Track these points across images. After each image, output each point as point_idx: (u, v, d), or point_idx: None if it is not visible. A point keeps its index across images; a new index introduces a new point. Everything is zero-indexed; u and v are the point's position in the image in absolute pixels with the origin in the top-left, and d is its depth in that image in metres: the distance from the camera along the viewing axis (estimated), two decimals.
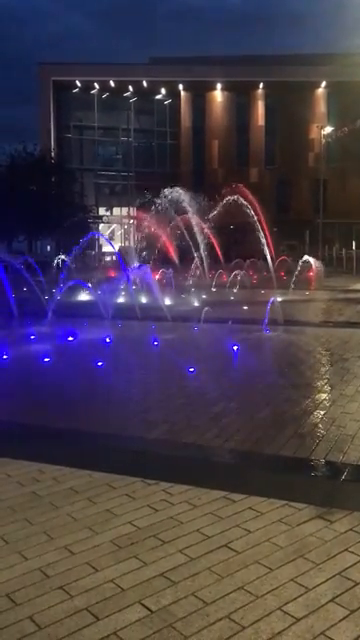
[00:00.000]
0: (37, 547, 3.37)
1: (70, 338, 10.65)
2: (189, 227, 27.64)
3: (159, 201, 28.38)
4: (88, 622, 2.69)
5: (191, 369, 7.88)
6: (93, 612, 2.77)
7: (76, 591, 2.93)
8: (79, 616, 2.74)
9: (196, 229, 27.08)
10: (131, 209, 62.07)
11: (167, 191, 28.41)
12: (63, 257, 25.80)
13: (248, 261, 27.56)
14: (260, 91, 60.92)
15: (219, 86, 60.42)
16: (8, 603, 2.84)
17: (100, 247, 60.73)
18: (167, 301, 15.68)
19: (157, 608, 2.79)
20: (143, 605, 2.81)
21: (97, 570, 3.12)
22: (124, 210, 62.88)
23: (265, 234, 25.36)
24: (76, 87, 59.93)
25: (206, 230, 27.74)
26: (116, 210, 63.97)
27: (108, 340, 10.42)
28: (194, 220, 27.42)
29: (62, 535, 3.50)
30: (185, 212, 27.91)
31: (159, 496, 4.02)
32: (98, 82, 59.57)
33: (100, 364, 8.45)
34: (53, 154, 52.01)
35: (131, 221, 63.67)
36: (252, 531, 3.53)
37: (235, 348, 9.31)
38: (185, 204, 27.51)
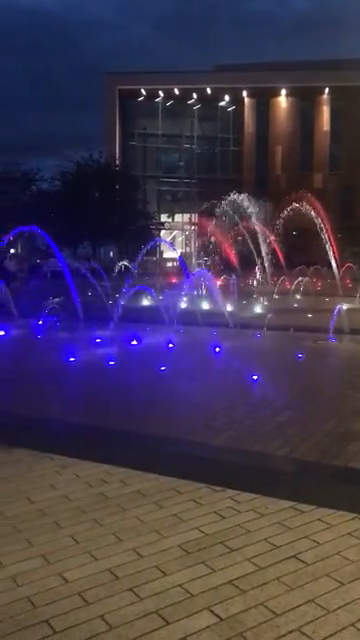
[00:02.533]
0: (106, 548, 3.42)
1: (134, 342, 10.79)
2: (252, 233, 27.51)
3: (222, 207, 28.39)
4: (158, 625, 2.71)
5: (254, 377, 7.82)
6: (163, 615, 2.78)
7: (145, 594, 2.96)
8: (149, 619, 2.76)
9: (259, 235, 26.92)
10: (193, 215, 62.44)
11: (231, 196, 28.40)
12: (126, 263, 26.23)
13: (312, 268, 27.15)
14: (325, 96, 60.04)
15: (283, 92, 59.95)
16: (80, 602, 2.89)
17: (161, 253, 61.33)
18: (229, 307, 15.63)
19: (227, 616, 2.77)
20: (212, 612, 2.81)
21: (166, 574, 3.14)
22: (186, 217, 63.26)
23: (330, 240, 24.92)
24: (141, 95, 60.85)
25: (269, 236, 27.54)
26: (178, 217, 64.42)
27: (171, 345, 10.49)
28: (257, 226, 27.27)
29: (130, 537, 3.54)
30: (248, 218, 27.80)
31: (226, 503, 4.01)
32: (162, 90, 60.29)
33: (163, 369, 8.52)
34: (117, 161, 52.99)
35: (192, 227, 64.02)
36: (321, 543, 3.47)
37: (300, 356, 9.18)
38: (248, 210, 27.42)
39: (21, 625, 2.71)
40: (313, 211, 24.78)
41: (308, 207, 24.98)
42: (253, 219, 27.36)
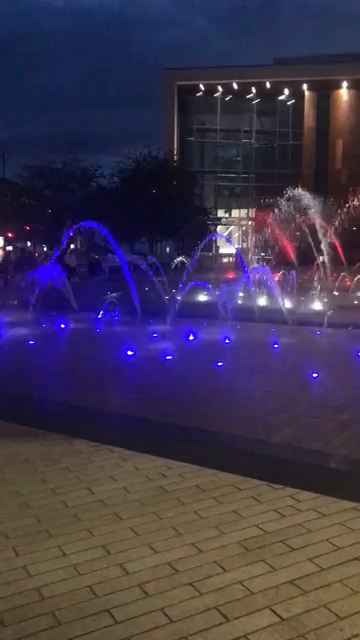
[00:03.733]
0: (166, 541, 3.42)
1: (190, 337, 10.79)
2: (311, 228, 27.03)
3: (280, 203, 28.05)
4: (218, 622, 2.69)
5: (314, 374, 7.68)
6: (223, 612, 2.76)
7: (205, 589, 2.95)
8: (209, 614, 2.74)
9: (318, 231, 26.40)
10: (250, 211, 61.94)
11: (288, 192, 27.98)
12: (182, 258, 26.29)
13: None
14: None
15: (345, 84, 58.61)
16: (141, 593, 2.91)
17: (217, 249, 61.13)
18: (288, 304, 15.41)
19: (288, 616, 2.73)
20: (273, 611, 2.77)
21: (225, 570, 3.12)
22: (243, 212, 62.84)
23: None
24: (199, 91, 60.79)
25: (329, 232, 26.99)
26: (235, 212, 64.06)
27: (227, 341, 10.43)
28: (316, 221, 26.77)
29: (190, 532, 3.53)
30: (306, 213, 27.33)
31: (286, 501, 3.95)
32: (221, 85, 60.02)
33: (220, 364, 8.48)
34: (176, 157, 53.13)
35: (250, 222, 63.51)
36: None
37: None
38: (307, 205, 26.94)
39: (83, 614, 2.74)
40: None
41: None
42: (312, 214, 26.85)
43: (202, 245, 25.74)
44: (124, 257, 15.62)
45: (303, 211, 27.40)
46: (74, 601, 2.84)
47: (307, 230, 26.99)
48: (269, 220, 28.51)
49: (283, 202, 28.02)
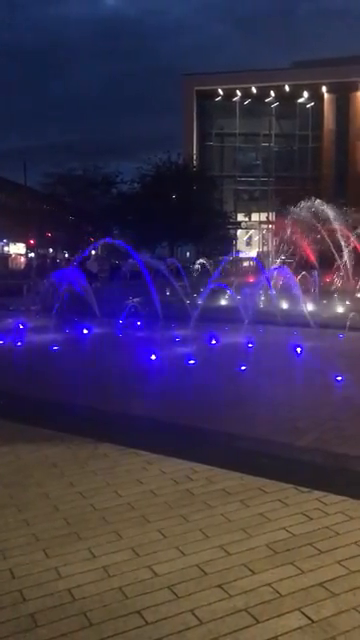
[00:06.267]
0: (194, 544, 3.45)
1: (213, 341, 10.81)
2: (331, 232, 26.89)
3: (299, 211, 27.99)
4: (248, 623, 2.70)
5: (338, 378, 7.65)
6: (252, 614, 2.77)
7: (234, 591, 2.96)
8: (239, 616, 2.76)
9: (339, 234, 26.23)
10: (270, 214, 61.77)
11: (307, 203, 27.87)
12: (203, 261, 26.33)
13: None
14: None
15: None
16: (170, 595, 2.93)
17: (238, 252, 61.07)
18: (309, 306, 15.34)
19: (318, 618, 2.73)
20: (303, 613, 2.77)
21: (254, 572, 3.13)
22: (262, 215, 62.70)
23: None
24: (218, 95, 60.90)
25: (349, 236, 26.81)
26: (254, 215, 63.96)
27: (250, 345, 10.43)
28: (336, 225, 26.63)
29: (217, 534, 3.55)
30: (325, 222, 27.20)
31: (313, 504, 3.94)
32: (240, 89, 60.08)
33: (243, 368, 8.49)
34: (195, 162, 53.26)
35: (270, 226, 63.32)
36: None
37: None
38: (326, 213, 26.76)
39: (114, 614, 2.78)
40: None
41: None
42: (332, 219, 26.67)
43: (225, 257, 25.72)
44: (143, 262, 15.67)
45: (322, 219, 27.29)
46: (105, 602, 2.88)
47: (327, 234, 26.85)
48: (289, 224, 28.44)
49: (303, 210, 27.91)
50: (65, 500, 4.06)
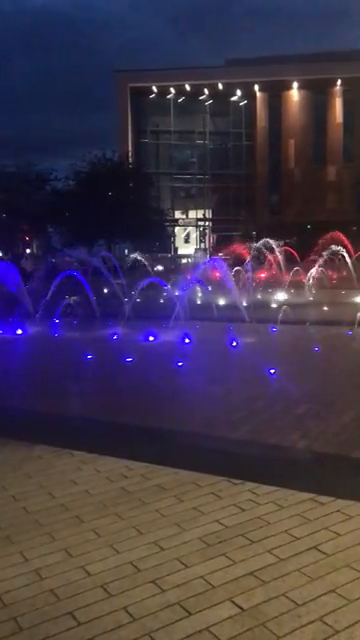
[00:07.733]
0: (128, 541, 3.45)
1: (151, 338, 10.82)
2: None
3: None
4: (180, 616, 2.74)
5: (272, 370, 7.81)
6: (185, 607, 2.81)
7: (167, 586, 2.99)
8: (171, 610, 2.79)
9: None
10: (207, 211, 62.34)
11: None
12: (137, 256, 26.10)
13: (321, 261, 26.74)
14: (338, 88, 59.62)
15: (295, 85, 59.61)
16: (103, 594, 2.93)
17: (176, 250, 61.37)
18: (244, 301, 15.57)
19: (248, 606, 2.80)
20: (234, 603, 2.83)
21: (187, 566, 3.17)
22: (199, 213, 63.20)
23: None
24: (152, 93, 60.84)
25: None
26: (192, 213, 64.38)
27: (187, 341, 10.49)
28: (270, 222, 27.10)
29: (151, 531, 3.57)
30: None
31: (245, 496, 4.02)
32: (174, 87, 60.23)
33: (180, 364, 8.54)
34: (130, 159, 53.02)
35: (207, 223, 63.89)
36: (341, 534, 3.47)
37: (317, 349, 9.15)
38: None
39: (45, 617, 2.75)
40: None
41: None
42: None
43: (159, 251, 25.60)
44: (79, 259, 15.45)
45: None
46: (36, 606, 2.85)
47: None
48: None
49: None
50: None
